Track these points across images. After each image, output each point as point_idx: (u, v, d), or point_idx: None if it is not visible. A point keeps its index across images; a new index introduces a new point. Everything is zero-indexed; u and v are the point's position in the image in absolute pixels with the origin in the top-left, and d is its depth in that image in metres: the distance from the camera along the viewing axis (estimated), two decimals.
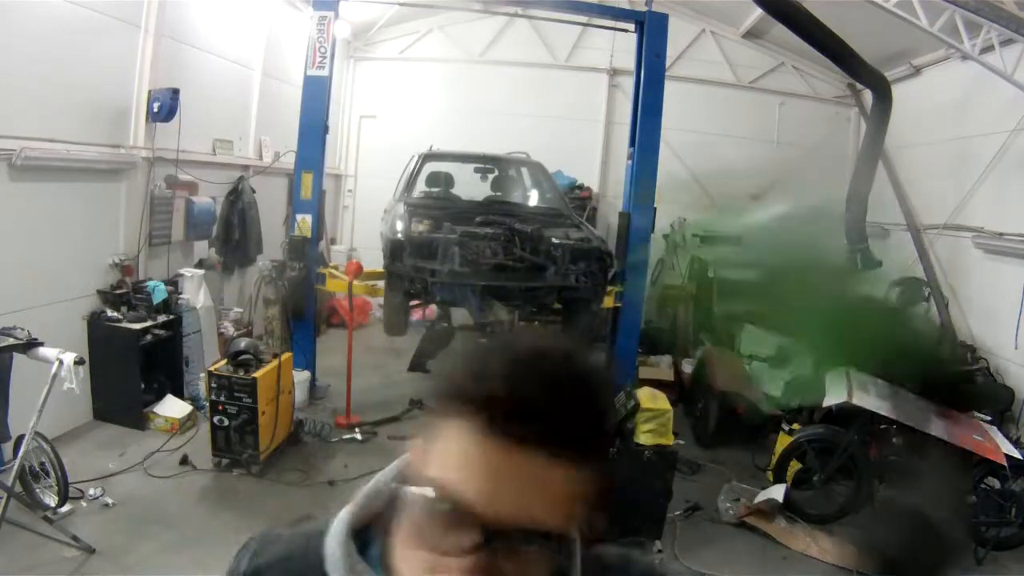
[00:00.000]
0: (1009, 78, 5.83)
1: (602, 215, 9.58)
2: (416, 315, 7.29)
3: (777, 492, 4.67)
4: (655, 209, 6.48)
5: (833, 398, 4.55)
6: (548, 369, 0.66)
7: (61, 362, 3.52)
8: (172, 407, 5.44)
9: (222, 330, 6.61)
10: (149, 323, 5.36)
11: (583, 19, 8.66)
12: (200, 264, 6.67)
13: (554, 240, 5.41)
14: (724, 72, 9.94)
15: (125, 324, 5.23)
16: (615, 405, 0.68)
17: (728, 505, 4.83)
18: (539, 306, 5.63)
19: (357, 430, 5.56)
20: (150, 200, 5.77)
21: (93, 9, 4.96)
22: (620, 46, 8.79)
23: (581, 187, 9.54)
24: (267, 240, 7.55)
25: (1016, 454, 4.25)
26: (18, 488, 3.60)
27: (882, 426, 4.56)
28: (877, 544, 0.78)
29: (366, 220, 9.32)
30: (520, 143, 7.84)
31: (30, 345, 3.63)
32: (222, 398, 4.67)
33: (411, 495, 0.66)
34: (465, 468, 0.62)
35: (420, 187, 6.75)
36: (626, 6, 8.73)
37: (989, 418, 4.86)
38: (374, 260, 6.93)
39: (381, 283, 5.90)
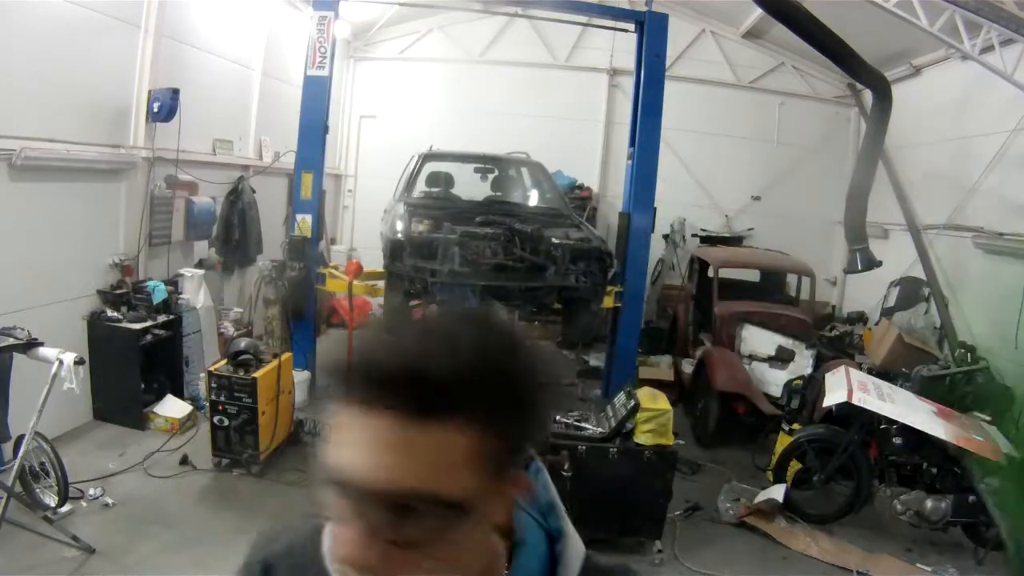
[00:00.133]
0: (1009, 78, 5.83)
1: (602, 215, 9.58)
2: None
3: (777, 492, 4.68)
4: (655, 209, 6.48)
5: (833, 398, 4.55)
6: (406, 336, 0.65)
7: (61, 362, 3.53)
8: (172, 407, 5.44)
9: (222, 330, 6.61)
10: (149, 323, 5.36)
11: (583, 19, 8.66)
12: (200, 264, 6.67)
13: (554, 240, 5.41)
14: (724, 72, 9.94)
15: (125, 324, 5.23)
16: (509, 367, 0.64)
17: (728, 505, 4.83)
18: (539, 306, 5.63)
19: None
20: (150, 200, 5.77)
21: (93, 9, 4.96)
22: (620, 46, 8.78)
23: (581, 187, 9.54)
24: (267, 240, 7.54)
25: (1016, 454, 4.25)
26: (18, 488, 3.61)
27: (882, 426, 4.56)
28: None
29: (366, 220, 9.32)
30: (520, 143, 7.85)
31: (30, 345, 3.63)
32: (222, 398, 4.67)
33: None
34: (346, 446, 0.64)
35: (420, 187, 6.75)
36: (626, 6, 8.73)
37: (989, 418, 4.86)
38: (374, 260, 6.93)
39: (381, 283, 5.90)
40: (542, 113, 9.81)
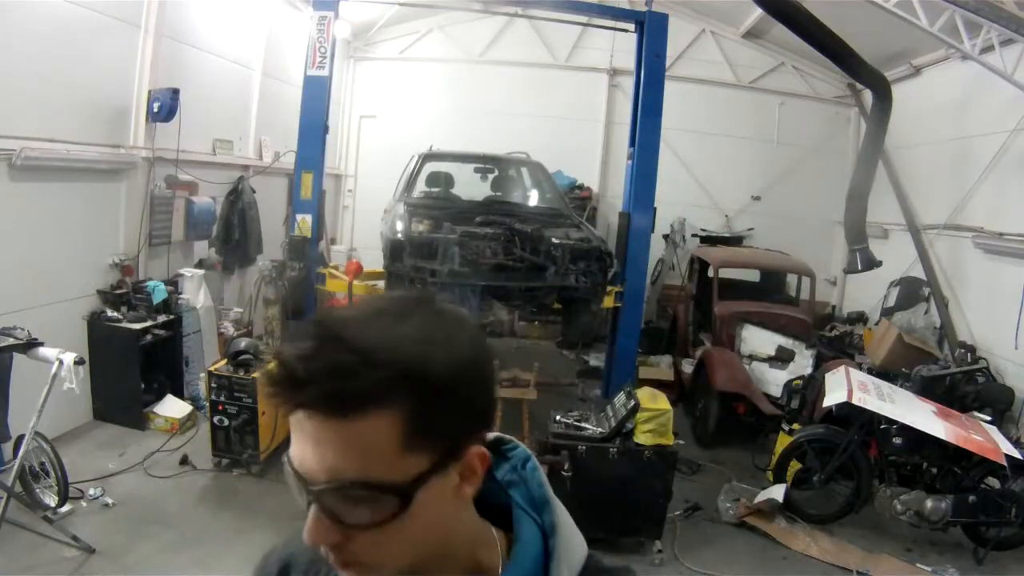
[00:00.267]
0: (1009, 78, 5.83)
1: (602, 215, 9.58)
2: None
3: (777, 492, 4.67)
4: (655, 209, 6.48)
5: (833, 398, 4.55)
6: (311, 335, 0.65)
7: (61, 362, 3.53)
8: (172, 407, 5.44)
9: (222, 330, 6.61)
10: (149, 323, 5.36)
11: (583, 19, 8.65)
12: (200, 264, 6.67)
13: (554, 240, 5.40)
14: (724, 72, 9.94)
15: (125, 324, 5.23)
16: (422, 351, 0.65)
17: (728, 505, 4.83)
18: (539, 306, 5.62)
19: None
20: (150, 200, 5.77)
21: (93, 9, 4.96)
22: (620, 46, 8.78)
23: (581, 187, 9.54)
24: (267, 240, 7.54)
25: (1016, 454, 4.25)
26: (18, 488, 3.61)
27: (882, 426, 4.56)
28: None
29: (366, 220, 9.33)
30: (520, 143, 7.84)
31: (30, 345, 3.63)
32: (222, 398, 4.67)
33: None
34: (293, 443, 0.67)
35: (420, 187, 6.74)
36: (626, 6, 8.73)
37: (989, 418, 4.86)
38: (374, 260, 6.92)
39: (381, 283, 5.90)
40: (542, 113, 9.81)
